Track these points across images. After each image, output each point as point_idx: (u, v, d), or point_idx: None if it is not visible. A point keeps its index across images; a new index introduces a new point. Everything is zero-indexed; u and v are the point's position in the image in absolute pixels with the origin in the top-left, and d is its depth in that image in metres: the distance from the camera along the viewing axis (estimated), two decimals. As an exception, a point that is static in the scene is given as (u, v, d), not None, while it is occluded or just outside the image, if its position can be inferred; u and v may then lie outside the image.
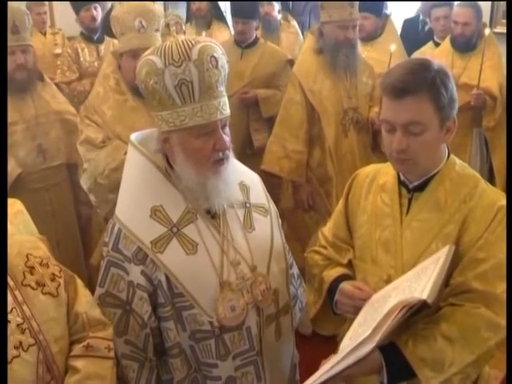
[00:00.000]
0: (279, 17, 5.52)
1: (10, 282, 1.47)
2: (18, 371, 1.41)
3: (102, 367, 1.60)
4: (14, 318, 1.43)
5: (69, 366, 1.57)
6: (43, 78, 3.30)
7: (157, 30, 2.82)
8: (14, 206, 2.05)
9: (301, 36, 5.66)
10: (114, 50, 3.18)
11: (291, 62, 4.28)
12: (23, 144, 3.11)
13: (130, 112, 2.83)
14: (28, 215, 2.12)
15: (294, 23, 5.78)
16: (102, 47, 4.96)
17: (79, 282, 1.71)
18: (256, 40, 4.30)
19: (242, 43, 4.22)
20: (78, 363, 1.56)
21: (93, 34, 4.96)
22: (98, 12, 4.95)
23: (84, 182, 2.93)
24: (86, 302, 1.67)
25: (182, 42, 1.61)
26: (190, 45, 1.60)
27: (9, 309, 1.44)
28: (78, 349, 1.59)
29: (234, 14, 4.24)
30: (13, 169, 3.01)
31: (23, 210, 2.09)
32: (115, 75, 2.89)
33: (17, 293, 1.47)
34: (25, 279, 1.50)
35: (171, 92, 1.60)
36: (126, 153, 2.59)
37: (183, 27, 3.67)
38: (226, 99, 1.68)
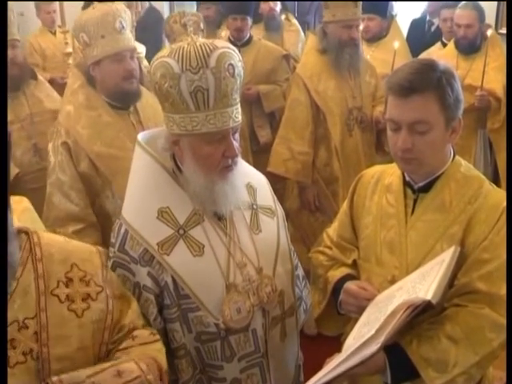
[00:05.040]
0: (283, 17, 5.56)
1: (42, 285, 1.41)
2: (19, 377, 1.35)
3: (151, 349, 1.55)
4: (33, 325, 1.38)
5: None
6: (36, 77, 3.25)
7: (130, 30, 2.63)
8: (21, 203, 2.03)
9: (302, 33, 5.69)
10: (77, 62, 2.79)
11: (287, 57, 4.39)
12: (19, 144, 3.06)
13: (106, 128, 2.57)
14: (35, 213, 2.09)
15: (295, 21, 5.81)
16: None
17: (134, 306, 1.60)
18: (250, 38, 4.33)
19: (238, 41, 4.22)
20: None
21: None
22: None
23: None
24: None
25: (200, 46, 1.58)
26: (208, 51, 1.58)
27: (32, 314, 1.38)
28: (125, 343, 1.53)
29: (231, 10, 4.25)
30: (11, 169, 2.95)
31: (30, 207, 2.07)
32: (84, 90, 2.61)
33: (42, 298, 1.40)
34: (56, 289, 1.43)
35: (186, 97, 1.59)
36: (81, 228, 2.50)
37: (201, 26, 3.60)
38: (238, 106, 1.67)
